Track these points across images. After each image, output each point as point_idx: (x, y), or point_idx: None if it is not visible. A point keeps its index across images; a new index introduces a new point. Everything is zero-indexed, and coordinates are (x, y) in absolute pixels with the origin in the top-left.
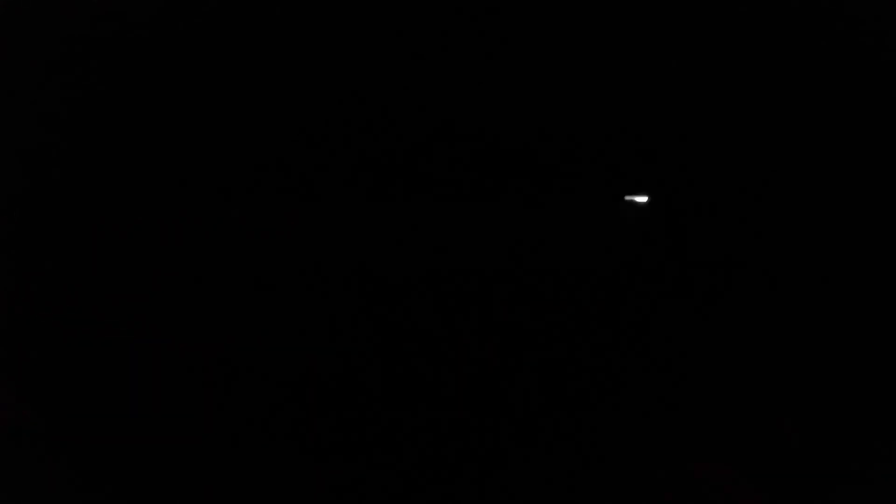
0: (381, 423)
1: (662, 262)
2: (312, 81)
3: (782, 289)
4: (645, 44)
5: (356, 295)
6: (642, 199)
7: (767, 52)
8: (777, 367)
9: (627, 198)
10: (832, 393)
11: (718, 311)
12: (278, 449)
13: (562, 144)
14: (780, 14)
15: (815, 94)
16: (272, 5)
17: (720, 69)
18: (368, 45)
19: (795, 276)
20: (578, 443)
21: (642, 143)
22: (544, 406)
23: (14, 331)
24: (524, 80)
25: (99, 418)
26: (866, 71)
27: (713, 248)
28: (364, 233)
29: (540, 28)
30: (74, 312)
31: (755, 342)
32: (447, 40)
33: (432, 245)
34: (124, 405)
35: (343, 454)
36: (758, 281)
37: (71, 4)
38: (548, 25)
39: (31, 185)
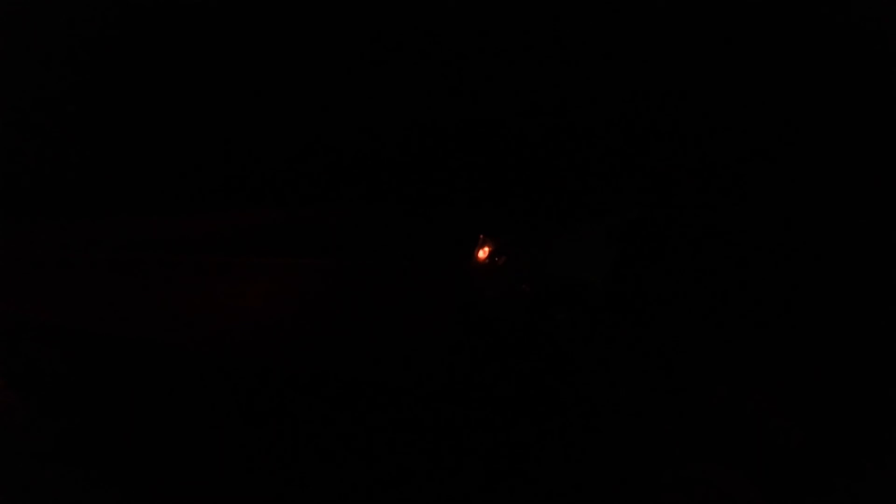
0: (382, 423)
1: (663, 266)
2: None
3: (782, 292)
4: (641, 48)
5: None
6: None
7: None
8: (777, 369)
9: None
10: (832, 393)
11: (719, 315)
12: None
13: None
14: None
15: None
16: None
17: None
18: (369, 48)
19: (795, 278)
20: (581, 444)
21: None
22: (549, 409)
23: (14, 331)
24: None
25: (99, 418)
26: (866, 73)
27: (713, 252)
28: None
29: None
30: (74, 313)
31: (756, 345)
32: (447, 45)
33: (424, 248)
34: (125, 405)
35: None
36: (758, 284)
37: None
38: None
39: (31, 185)
